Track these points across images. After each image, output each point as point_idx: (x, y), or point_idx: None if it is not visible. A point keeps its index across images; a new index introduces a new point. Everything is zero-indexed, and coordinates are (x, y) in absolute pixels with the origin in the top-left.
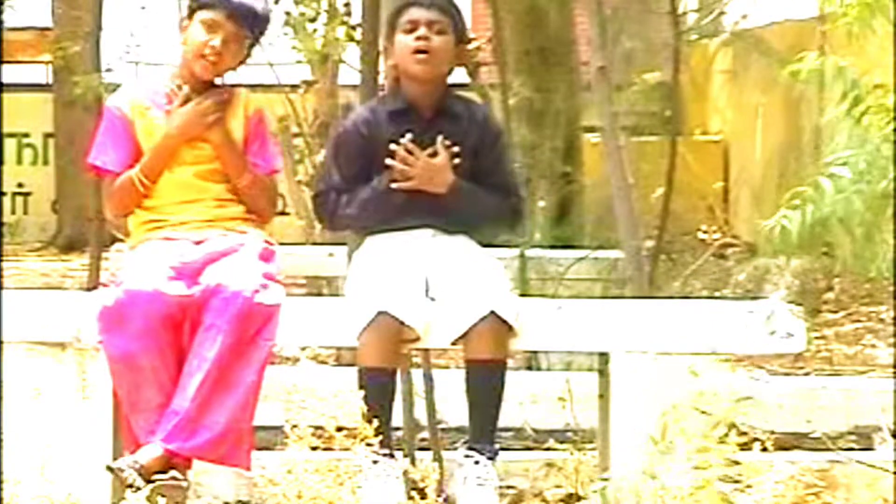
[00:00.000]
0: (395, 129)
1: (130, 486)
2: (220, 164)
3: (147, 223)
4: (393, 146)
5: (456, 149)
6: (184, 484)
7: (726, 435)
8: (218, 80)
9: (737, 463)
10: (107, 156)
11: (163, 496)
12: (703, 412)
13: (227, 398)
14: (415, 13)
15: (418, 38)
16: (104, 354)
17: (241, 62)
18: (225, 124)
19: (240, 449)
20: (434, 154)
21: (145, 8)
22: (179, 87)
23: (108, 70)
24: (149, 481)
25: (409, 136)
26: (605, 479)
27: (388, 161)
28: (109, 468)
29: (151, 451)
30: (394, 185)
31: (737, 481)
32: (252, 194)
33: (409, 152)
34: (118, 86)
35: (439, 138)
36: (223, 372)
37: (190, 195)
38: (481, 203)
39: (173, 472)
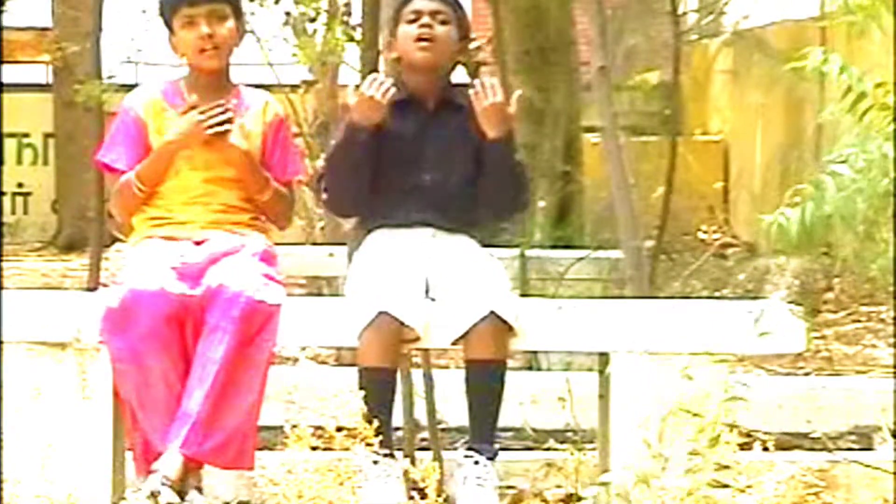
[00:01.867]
0: (399, 120)
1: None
2: (242, 181)
3: (151, 219)
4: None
5: None
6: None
7: (718, 437)
8: (238, 83)
9: (727, 467)
10: (115, 154)
11: None
12: (694, 414)
13: (236, 401)
14: (419, 3)
15: (422, 27)
16: (109, 356)
17: (241, 36)
18: (240, 139)
19: (246, 451)
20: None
21: (146, 11)
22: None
23: (111, 77)
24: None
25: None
26: (603, 484)
27: None
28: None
29: (173, 461)
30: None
31: (726, 486)
32: (271, 207)
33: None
34: (119, 86)
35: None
36: (230, 374)
37: (197, 197)
38: (516, 164)
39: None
